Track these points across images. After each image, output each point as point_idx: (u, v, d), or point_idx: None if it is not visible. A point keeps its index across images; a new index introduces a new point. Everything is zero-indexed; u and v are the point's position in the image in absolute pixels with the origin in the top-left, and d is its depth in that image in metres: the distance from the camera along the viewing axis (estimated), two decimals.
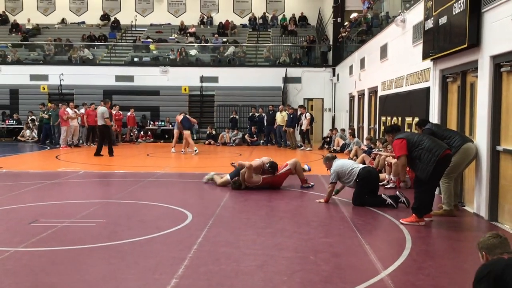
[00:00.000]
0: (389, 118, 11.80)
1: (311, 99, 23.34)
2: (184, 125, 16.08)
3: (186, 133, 16.05)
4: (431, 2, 8.36)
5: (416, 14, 9.77)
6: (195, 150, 15.91)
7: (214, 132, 20.88)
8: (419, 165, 6.21)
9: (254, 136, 20.47)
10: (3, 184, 9.63)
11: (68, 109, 18.10)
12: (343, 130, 17.95)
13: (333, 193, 7.78)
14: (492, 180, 6.52)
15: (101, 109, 15.17)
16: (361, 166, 7.80)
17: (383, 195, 7.51)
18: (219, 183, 9.26)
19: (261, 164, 9.05)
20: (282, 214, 7.08)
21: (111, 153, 14.99)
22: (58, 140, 18.53)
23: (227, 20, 27.72)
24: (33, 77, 23.09)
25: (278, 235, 5.76)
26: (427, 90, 9.09)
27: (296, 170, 9.31)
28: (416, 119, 9.02)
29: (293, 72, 23.00)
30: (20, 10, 29.57)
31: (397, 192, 7.63)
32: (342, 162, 7.89)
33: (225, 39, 25.85)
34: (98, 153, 14.84)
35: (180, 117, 16.27)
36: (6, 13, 29.29)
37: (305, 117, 18.37)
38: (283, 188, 9.15)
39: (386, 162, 9.60)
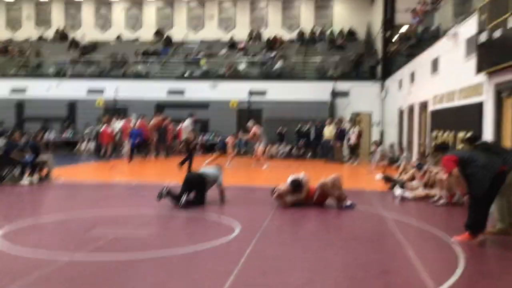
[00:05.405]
0: (440, 133, 11.53)
1: (359, 113, 23.10)
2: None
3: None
4: (485, 15, 8.18)
5: (469, 28, 9.57)
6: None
7: None
8: (474, 182, 6.03)
9: (302, 149, 20.44)
10: (60, 193, 10.08)
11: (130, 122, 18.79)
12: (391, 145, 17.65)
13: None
14: None
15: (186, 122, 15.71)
16: None
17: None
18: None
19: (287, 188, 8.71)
20: (329, 228, 7.05)
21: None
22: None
23: (275, 35, 27.97)
24: (90, 91, 24.17)
25: (326, 250, 5.74)
26: (480, 105, 8.85)
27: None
28: (469, 134, 8.78)
29: (341, 86, 22.87)
30: (79, 27, 31.03)
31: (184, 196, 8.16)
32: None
33: (273, 54, 26.07)
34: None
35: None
36: (66, 30, 30.77)
37: (354, 131, 18.23)
38: (329, 203, 9.01)
39: (436, 178, 9.38)
